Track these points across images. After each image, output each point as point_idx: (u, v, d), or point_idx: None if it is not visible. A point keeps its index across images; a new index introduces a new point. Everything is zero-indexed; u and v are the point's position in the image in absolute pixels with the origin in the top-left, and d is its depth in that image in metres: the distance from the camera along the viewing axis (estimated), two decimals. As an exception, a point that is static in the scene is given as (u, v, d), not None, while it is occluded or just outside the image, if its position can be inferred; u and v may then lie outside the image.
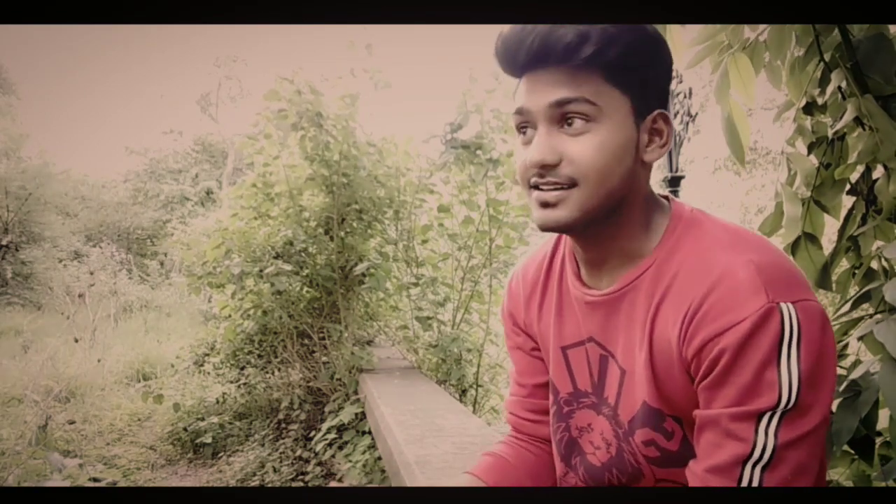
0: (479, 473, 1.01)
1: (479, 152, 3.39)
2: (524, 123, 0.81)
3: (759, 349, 0.70)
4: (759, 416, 0.70)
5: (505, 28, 0.81)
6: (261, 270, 3.69)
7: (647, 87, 0.79)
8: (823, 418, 0.71)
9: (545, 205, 0.79)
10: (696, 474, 0.76)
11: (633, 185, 0.81)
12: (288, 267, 3.66)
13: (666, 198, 0.88)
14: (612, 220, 0.82)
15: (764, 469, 0.70)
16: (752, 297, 0.71)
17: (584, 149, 0.76)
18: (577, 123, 0.77)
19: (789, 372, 0.69)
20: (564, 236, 0.96)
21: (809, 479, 0.71)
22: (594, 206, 0.78)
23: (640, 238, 0.83)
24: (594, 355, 0.90)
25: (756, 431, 0.70)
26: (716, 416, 0.73)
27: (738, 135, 1.30)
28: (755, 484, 0.71)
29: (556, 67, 0.77)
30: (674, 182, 3.64)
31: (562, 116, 0.77)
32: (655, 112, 0.80)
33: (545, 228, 0.81)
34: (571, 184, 0.77)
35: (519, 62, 0.79)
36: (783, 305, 0.70)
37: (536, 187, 0.80)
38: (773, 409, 0.70)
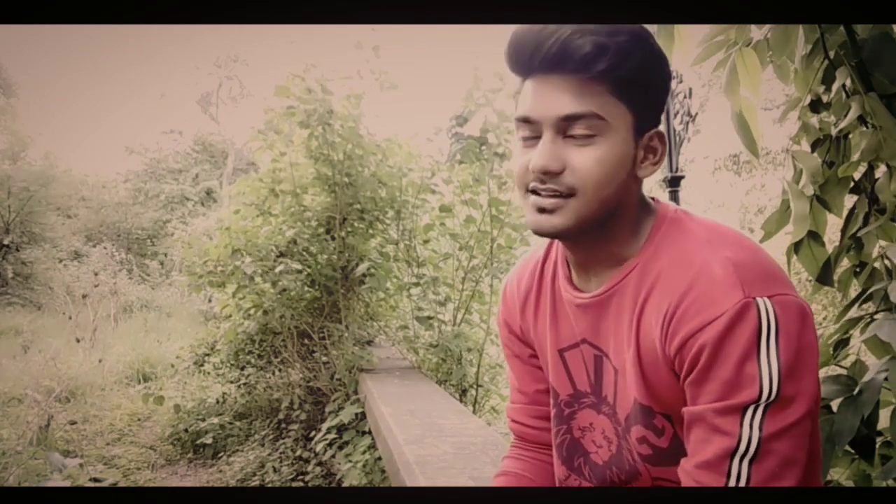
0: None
1: (483, 148, 3.39)
2: (530, 131, 0.81)
3: (737, 344, 0.71)
4: (744, 409, 0.71)
5: (519, 26, 0.81)
6: (269, 269, 3.68)
7: (648, 104, 0.81)
8: (807, 410, 0.72)
9: (542, 210, 0.80)
10: (687, 471, 0.77)
11: (626, 197, 0.83)
12: (297, 266, 3.66)
13: (653, 199, 0.89)
14: (604, 228, 0.83)
15: (751, 462, 0.71)
16: (729, 293, 0.72)
17: (586, 160, 0.78)
18: (583, 135, 0.78)
19: (769, 365, 0.71)
20: (556, 241, 0.97)
21: (797, 471, 0.72)
22: (589, 214, 0.80)
23: (627, 242, 0.85)
24: (589, 356, 0.91)
25: (741, 425, 0.72)
26: (701, 412, 0.74)
27: (750, 129, 1.31)
28: (743, 477, 0.72)
29: (568, 76, 0.77)
30: (674, 182, 3.62)
31: (568, 127, 0.78)
32: (653, 130, 0.82)
33: (540, 233, 0.82)
34: (570, 193, 0.79)
35: (532, 65, 0.79)
36: (759, 300, 0.72)
37: (535, 192, 0.81)
38: (756, 402, 0.71)
